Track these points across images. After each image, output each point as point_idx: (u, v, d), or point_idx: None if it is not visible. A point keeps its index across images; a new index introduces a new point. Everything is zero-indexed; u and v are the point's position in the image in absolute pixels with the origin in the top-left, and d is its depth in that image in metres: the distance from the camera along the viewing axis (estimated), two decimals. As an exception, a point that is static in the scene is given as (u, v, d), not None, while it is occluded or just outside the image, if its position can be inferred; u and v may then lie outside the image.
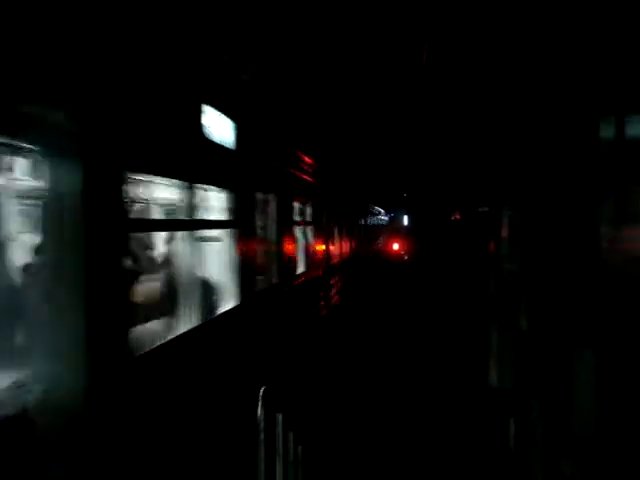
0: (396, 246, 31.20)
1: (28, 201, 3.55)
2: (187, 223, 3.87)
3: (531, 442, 4.59)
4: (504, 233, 6.16)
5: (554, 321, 4.16)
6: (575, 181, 3.79)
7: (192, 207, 3.83)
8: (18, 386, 2.25)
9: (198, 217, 3.97)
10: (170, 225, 4.33)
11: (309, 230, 9.67)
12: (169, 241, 5.17)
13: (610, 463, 2.94)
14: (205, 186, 4.12)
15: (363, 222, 25.94)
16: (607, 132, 3.15)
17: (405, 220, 34.63)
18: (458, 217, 11.03)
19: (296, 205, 8.39)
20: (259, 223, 5.95)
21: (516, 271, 5.51)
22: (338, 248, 14.27)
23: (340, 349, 9.88)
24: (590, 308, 3.44)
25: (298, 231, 8.70)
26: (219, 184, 4.53)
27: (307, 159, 9.08)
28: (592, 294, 3.40)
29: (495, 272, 6.63)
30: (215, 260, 4.94)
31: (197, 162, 3.94)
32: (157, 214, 5.80)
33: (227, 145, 4.61)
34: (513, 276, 5.65)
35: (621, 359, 2.85)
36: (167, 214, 5.71)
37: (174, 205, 4.25)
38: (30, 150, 2.56)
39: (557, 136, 4.18)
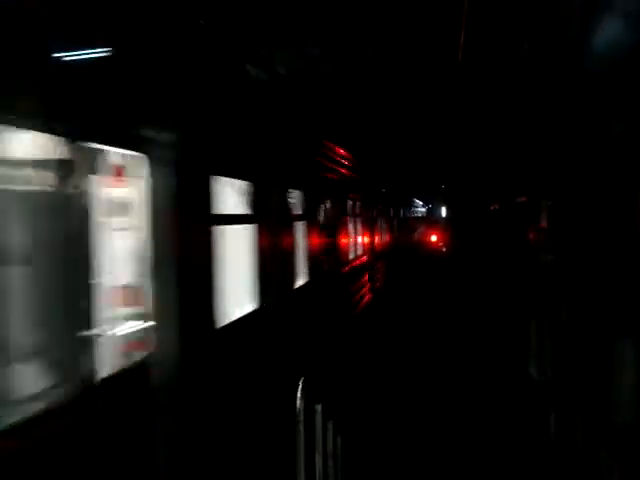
0: (434, 237, 30.89)
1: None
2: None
3: (571, 434, 4.55)
4: (543, 224, 6.08)
5: (595, 312, 4.10)
6: (618, 172, 3.72)
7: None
8: None
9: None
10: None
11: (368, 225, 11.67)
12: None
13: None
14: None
15: (405, 215, 25.93)
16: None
17: (443, 212, 34.22)
18: (496, 208, 10.89)
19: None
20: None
21: (556, 262, 5.44)
22: (383, 240, 14.87)
23: (380, 337, 9.93)
24: (632, 298, 3.39)
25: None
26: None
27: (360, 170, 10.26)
28: (634, 284, 3.35)
29: (534, 263, 6.55)
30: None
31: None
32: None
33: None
34: (552, 267, 5.58)
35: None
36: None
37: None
38: None
39: (600, 125, 4.11)
